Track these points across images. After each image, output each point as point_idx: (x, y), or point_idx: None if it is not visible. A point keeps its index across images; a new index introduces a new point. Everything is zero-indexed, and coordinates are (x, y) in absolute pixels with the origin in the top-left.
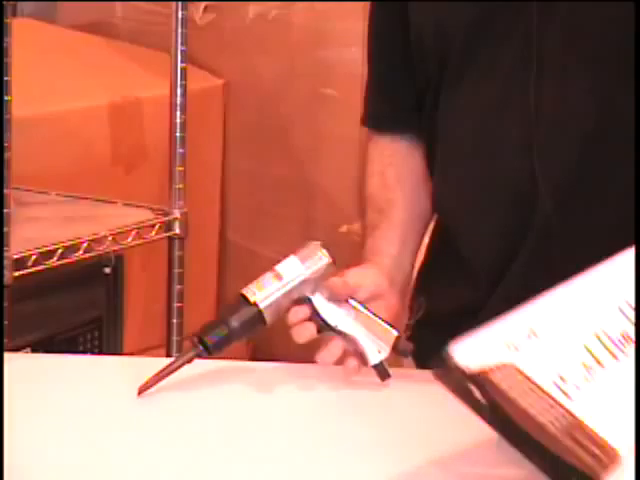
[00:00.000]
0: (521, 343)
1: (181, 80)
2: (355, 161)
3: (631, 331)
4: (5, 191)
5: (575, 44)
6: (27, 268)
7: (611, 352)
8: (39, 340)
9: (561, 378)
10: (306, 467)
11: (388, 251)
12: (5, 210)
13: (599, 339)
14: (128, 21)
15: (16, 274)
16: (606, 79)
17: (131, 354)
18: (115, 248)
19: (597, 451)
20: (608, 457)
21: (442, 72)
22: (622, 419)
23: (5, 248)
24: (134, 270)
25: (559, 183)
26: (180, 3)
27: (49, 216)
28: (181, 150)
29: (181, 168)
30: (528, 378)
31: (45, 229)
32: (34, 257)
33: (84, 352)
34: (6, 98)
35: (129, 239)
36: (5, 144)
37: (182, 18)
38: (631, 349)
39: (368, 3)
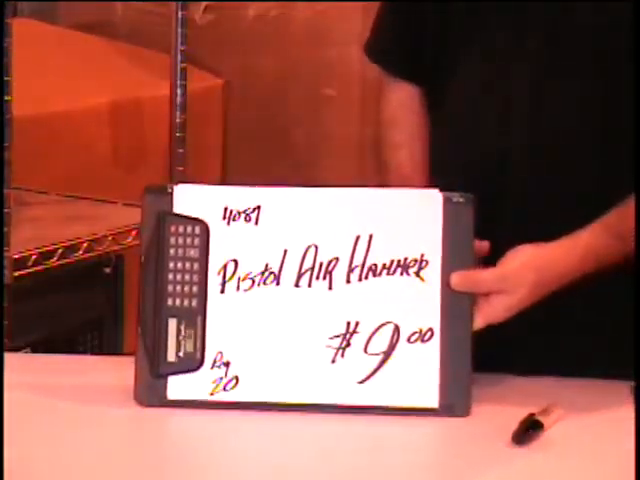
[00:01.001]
0: None
1: (181, 80)
2: (355, 161)
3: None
4: (5, 191)
5: (560, 44)
6: (27, 268)
7: None
8: (39, 340)
9: None
10: None
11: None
12: (5, 210)
13: None
14: (128, 21)
15: (16, 274)
16: (587, 79)
17: (131, 354)
18: (115, 248)
19: None
20: None
21: (441, 53)
22: None
23: (5, 248)
24: (134, 270)
25: (529, 174)
26: (180, 3)
27: (49, 216)
28: (181, 150)
29: (181, 168)
30: None
31: (45, 229)
32: (34, 257)
33: (84, 352)
34: (6, 98)
35: (129, 239)
36: (5, 144)
37: (182, 18)
38: None
39: (368, 3)
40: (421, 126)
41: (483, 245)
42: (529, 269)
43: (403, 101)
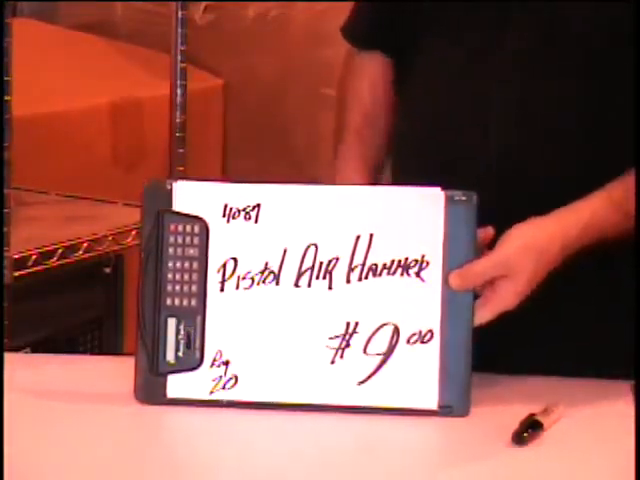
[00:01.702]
0: None
1: (181, 80)
2: None
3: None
4: (5, 191)
5: (543, 43)
6: (27, 268)
7: None
8: (39, 340)
9: None
10: None
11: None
12: (5, 210)
13: None
14: (128, 21)
15: (16, 274)
16: (570, 79)
17: (131, 354)
18: (115, 248)
19: None
20: None
21: (413, 36)
22: None
23: (5, 248)
24: (134, 270)
25: (510, 165)
26: (180, 3)
27: (49, 216)
28: (181, 150)
29: (181, 168)
30: None
31: (45, 229)
32: (34, 257)
33: (84, 352)
34: (6, 98)
35: (129, 239)
36: (5, 144)
37: (182, 18)
38: None
39: None
40: (390, 104)
41: (487, 231)
42: (528, 252)
43: (375, 76)
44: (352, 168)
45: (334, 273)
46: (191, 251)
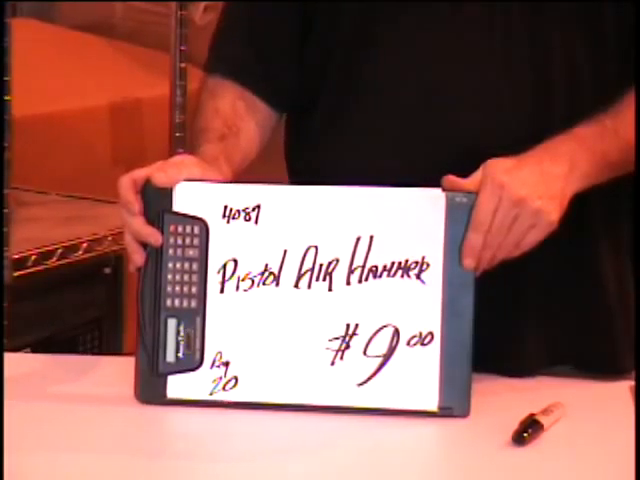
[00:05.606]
0: None
1: (181, 80)
2: None
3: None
4: (5, 191)
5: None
6: (27, 268)
7: None
8: (39, 340)
9: None
10: None
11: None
12: (5, 210)
13: None
14: (128, 21)
15: (16, 274)
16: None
17: (131, 354)
18: (115, 248)
19: None
20: None
21: (363, 24)
22: None
23: (5, 248)
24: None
25: (515, 136)
26: (180, 3)
27: (49, 216)
28: (181, 150)
29: None
30: None
31: (45, 229)
32: (34, 257)
33: (84, 352)
34: (6, 98)
35: None
36: (5, 144)
37: (182, 18)
38: None
39: None
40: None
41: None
42: (500, 159)
43: (236, 96)
44: (223, 168)
45: (334, 275)
46: (191, 252)
